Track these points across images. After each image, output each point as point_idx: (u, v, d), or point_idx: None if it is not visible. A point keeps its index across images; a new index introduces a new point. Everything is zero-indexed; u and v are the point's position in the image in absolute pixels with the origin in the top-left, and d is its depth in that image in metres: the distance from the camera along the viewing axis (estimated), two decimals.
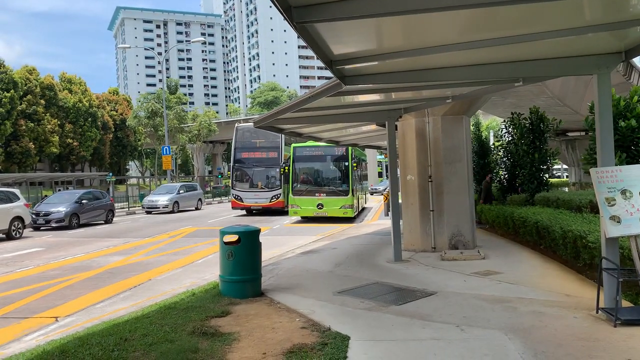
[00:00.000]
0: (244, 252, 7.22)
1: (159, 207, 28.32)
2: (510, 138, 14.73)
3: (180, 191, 30.23)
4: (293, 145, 21.75)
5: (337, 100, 7.96)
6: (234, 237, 7.26)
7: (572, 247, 7.77)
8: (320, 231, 16.75)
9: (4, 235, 17.40)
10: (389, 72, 5.56)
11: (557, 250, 8.78)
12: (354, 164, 20.36)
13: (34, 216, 19.99)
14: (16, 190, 19.38)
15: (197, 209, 31.13)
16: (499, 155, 17.63)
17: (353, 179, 20.29)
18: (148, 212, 28.72)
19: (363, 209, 25.96)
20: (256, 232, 7.44)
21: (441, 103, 8.82)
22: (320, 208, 20.06)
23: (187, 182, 59.23)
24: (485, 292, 7.08)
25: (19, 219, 17.93)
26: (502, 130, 16.35)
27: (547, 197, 12.00)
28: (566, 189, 22.83)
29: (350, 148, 19.94)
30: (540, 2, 3.96)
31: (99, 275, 10.37)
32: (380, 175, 58.17)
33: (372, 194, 40.10)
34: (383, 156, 50.12)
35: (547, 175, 13.77)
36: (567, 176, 40.10)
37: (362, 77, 5.49)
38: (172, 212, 28.33)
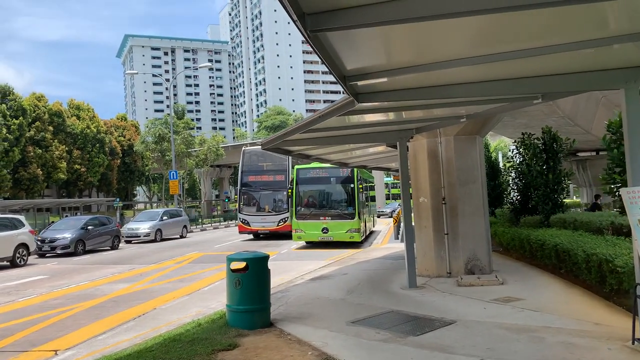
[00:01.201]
0: (252, 280, 6.89)
1: (139, 236, 26.15)
2: (521, 159, 14.42)
3: (164, 218, 27.92)
4: (296, 167, 20.91)
5: (347, 120, 7.71)
6: (242, 264, 6.95)
7: (596, 271, 7.37)
8: (329, 255, 16.36)
9: (8, 263, 17.13)
10: (404, 89, 5.28)
11: (579, 274, 8.37)
12: (360, 186, 19.61)
13: (39, 243, 19.75)
14: (21, 217, 19.20)
15: (181, 236, 28.80)
16: (510, 176, 17.27)
17: (359, 202, 19.51)
18: (128, 242, 26.14)
19: (371, 232, 25.41)
20: (265, 259, 7.12)
21: (455, 122, 8.53)
22: (325, 232, 19.13)
23: (194, 205, 59.04)
24: (507, 320, 6.68)
25: (24, 245, 17.67)
26: (513, 151, 16.00)
27: (564, 218, 11.61)
28: (579, 210, 22.36)
29: (355, 169, 19.26)
30: (557, 6, 3.66)
31: (102, 304, 10.03)
32: (388, 197, 57.55)
33: (378, 217, 39.60)
34: (392, 178, 49.47)
35: (562, 196, 13.41)
36: (576, 197, 39.45)
37: (376, 94, 5.21)
38: (154, 240, 26.08)
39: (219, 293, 10.48)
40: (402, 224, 19.80)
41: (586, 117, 19.95)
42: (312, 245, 20.48)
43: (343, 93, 5.09)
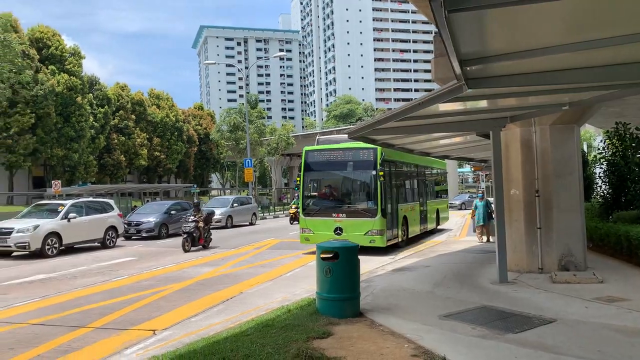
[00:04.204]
0: (342, 269, 6.86)
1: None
2: (614, 150, 13.55)
3: (234, 205, 27.83)
4: (305, 148, 16.18)
5: (441, 108, 7.45)
6: (331, 253, 6.93)
7: None
8: (405, 246, 16.09)
9: (99, 244, 18.14)
10: (517, 74, 4.99)
11: None
12: (381, 173, 14.23)
13: (126, 226, 20.75)
14: (111, 201, 20.23)
15: (251, 224, 28.56)
16: (601, 168, 16.28)
17: (383, 195, 14.46)
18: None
19: (433, 230, 21.30)
20: (354, 248, 7.08)
21: (555, 110, 8.06)
22: (338, 233, 14.50)
23: (264, 193, 60.13)
24: (614, 321, 6.27)
25: (113, 228, 18.62)
26: (604, 142, 15.02)
27: None
28: None
29: (379, 149, 14.20)
30: None
31: (190, 286, 10.38)
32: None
33: None
34: (471, 168, 47.64)
35: None
36: None
37: (486, 79, 4.97)
38: (225, 227, 25.92)
39: (302, 280, 10.59)
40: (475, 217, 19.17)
41: None
42: None
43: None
